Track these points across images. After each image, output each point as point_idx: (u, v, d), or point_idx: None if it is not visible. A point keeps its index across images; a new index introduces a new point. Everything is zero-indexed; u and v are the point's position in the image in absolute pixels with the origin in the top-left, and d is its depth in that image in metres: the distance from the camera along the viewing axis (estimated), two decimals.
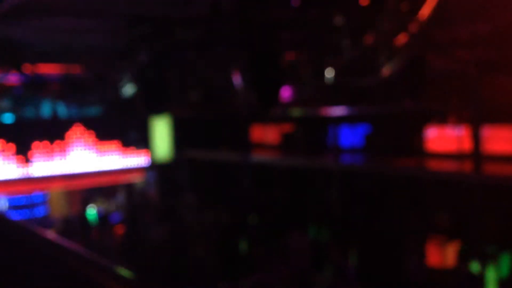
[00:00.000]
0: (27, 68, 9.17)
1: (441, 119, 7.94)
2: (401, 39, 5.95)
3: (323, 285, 7.91)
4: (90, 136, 10.74)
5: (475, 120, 6.89)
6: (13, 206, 10.91)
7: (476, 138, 6.80)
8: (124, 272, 1.59)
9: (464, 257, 7.15)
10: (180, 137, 11.93)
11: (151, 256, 9.91)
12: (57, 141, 10.41)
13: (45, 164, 10.22)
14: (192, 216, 10.93)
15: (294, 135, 10.41)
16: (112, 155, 10.88)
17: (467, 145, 7.24)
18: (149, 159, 11.60)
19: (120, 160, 11.06)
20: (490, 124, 7.09)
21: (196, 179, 12.34)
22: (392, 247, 8.11)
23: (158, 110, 9.40)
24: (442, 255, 7.52)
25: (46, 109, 11.13)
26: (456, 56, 6.92)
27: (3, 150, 9.85)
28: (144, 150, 11.32)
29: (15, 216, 10.54)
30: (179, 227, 10.59)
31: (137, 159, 11.30)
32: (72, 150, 10.53)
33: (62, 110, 11.25)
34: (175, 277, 9.03)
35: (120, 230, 10.90)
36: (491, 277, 6.75)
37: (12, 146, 9.94)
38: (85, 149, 10.67)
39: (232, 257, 9.27)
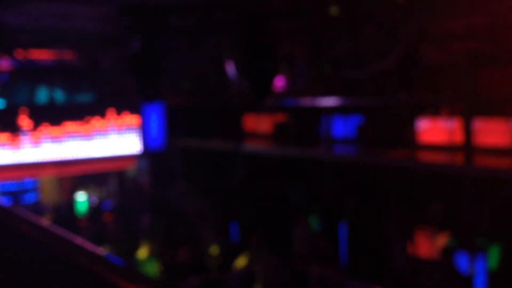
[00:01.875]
0: (20, 53, 9.10)
1: (434, 111, 7.97)
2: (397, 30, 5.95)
3: (313, 275, 7.96)
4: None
5: (467, 113, 6.92)
6: (4, 192, 10.87)
7: (468, 131, 6.83)
8: (115, 259, 1.60)
9: (453, 248, 7.21)
10: (173, 126, 11.90)
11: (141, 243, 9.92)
12: (50, 127, 10.35)
13: (37, 150, 10.17)
14: (184, 204, 10.93)
15: (287, 125, 10.41)
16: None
17: (458, 137, 7.27)
18: (142, 147, 11.58)
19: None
20: (482, 116, 7.12)
21: (189, 168, 12.33)
22: (382, 237, 8.16)
23: (152, 97, 9.37)
24: (432, 246, 7.58)
25: (41, 95, 11.07)
26: (450, 49, 6.93)
27: None
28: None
29: (5, 202, 10.49)
30: (170, 216, 10.59)
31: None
32: (65, 136, 10.48)
33: (57, 96, 11.19)
34: (166, 265, 9.05)
35: (111, 217, 10.89)
36: (480, 268, 6.81)
37: (3, 132, 9.88)
38: (77, 135, 10.62)
39: (224, 246, 9.29)
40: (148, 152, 11.77)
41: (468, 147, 6.81)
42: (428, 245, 7.61)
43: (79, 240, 1.70)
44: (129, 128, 11.27)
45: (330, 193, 9.36)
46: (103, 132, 10.99)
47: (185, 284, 7.90)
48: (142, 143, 11.50)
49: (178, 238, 9.73)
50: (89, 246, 1.65)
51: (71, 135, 10.60)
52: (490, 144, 7.13)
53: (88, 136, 10.78)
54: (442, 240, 7.44)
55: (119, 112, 11.09)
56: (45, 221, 2.07)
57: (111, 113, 11.01)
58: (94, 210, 11.06)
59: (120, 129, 11.19)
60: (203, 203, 10.66)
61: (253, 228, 9.48)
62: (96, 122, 10.87)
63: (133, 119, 11.29)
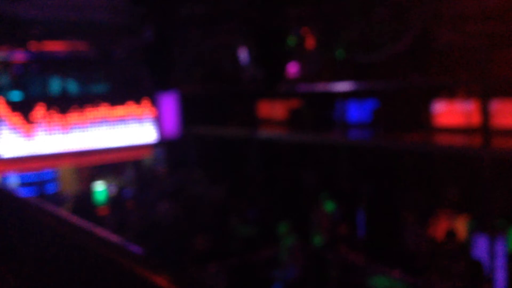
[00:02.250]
0: (33, 45, 9.15)
1: (450, 93, 7.90)
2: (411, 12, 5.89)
3: (333, 258, 7.98)
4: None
5: (484, 94, 6.84)
6: (24, 183, 11.00)
7: (485, 112, 6.77)
8: (132, 247, 1.61)
9: (472, 230, 7.17)
10: (188, 114, 11.93)
11: (158, 232, 9.99)
12: (66, 118, 10.43)
13: (55, 141, 10.26)
14: (200, 191, 10.99)
15: (302, 110, 10.38)
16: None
17: (475, 119, 7.21)
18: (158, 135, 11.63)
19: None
20: (499, 98, 7.05)
21: (204, 155, 12.38)
22: (399, 221, 8.14)
23: (165, 86, 9.38)
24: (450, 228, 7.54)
25: (55, 86, 11.14)
26: (464, 31, 6.85)
27: (13, 127, 9.89)
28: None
29: (26, 193, 10.62)
30: (187, 203, 10.65)
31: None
32: (82, 127, 10.56)
33: (71, 86, 11.26)
34: (181, 253, 9.11)
35: (129, 206, 10.97)
36: (500, 250, 6.78)
37: (21, 123, 9.98)
38: (94, 126, 10.69)
39: (243, 231, 9.34)
40: (163, 141, 11.83)
41: (485, 129, 6.75)
42: (446, 229, 7.57)
43: (99, 230, 1.72)
44: (144, 118, 11.32)
45: (346, 178, 9.35)
46: (119, 122, 11.06)
47: (205, 271, 7.96)
48: (157, 132, 11.55)
49: (196, 225, 9.79)
50: (110, 236, 1.67)
51: (87, 125, 10.68)
52: (507, 125, 7.06)
53: (104, 126, 10.85)
54: (460, 222, 7.40)
55: (133, 102, 11.13)
56: (65, 211, 2.10)
57: (125, 103, 11.06)
58: (115, 199, 11.15)
59: (135, 119, 11.25)
60: (219, 190, 10.71)
61: (271, 213, 9.51)
62: (110, 112, 10.93)
63: (147, 109, 11.34)
